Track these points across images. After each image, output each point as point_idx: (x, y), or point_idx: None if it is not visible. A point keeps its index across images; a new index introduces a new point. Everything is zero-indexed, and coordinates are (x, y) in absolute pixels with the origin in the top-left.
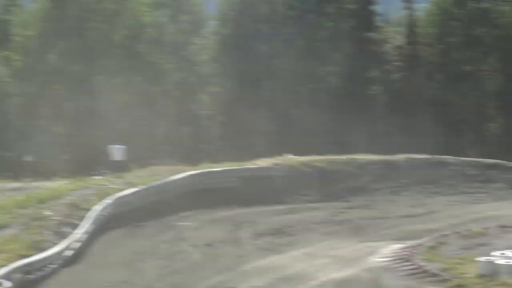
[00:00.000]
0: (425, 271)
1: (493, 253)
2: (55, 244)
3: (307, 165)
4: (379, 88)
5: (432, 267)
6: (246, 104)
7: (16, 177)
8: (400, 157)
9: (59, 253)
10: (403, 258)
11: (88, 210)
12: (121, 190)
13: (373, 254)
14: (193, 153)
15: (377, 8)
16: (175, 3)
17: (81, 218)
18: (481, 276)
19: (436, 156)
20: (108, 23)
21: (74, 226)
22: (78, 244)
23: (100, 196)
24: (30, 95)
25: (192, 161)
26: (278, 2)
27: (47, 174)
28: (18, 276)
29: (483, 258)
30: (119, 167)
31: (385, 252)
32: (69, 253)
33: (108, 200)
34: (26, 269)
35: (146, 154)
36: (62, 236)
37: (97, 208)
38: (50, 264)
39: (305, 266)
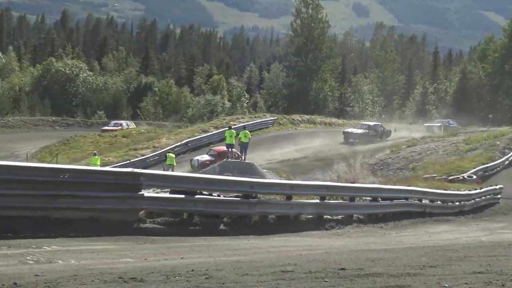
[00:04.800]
0: None
1: None
2: (500, 158)
3: None
4: None
5: None
6: None
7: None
8: None
9: (502, 162)
10: None
11: None
12: None
13: None
14: None
15: None
16: None
17: None
18: None
19: None
20: None
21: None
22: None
23: None
24: None
25: None
26: None
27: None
28: (480, 173)
29: None
30: None
31: None
32: (506, 162)
33: None
34: (485, 170)
35: None
36: (504, 154)
37: None
38: (497, 168)
39: None
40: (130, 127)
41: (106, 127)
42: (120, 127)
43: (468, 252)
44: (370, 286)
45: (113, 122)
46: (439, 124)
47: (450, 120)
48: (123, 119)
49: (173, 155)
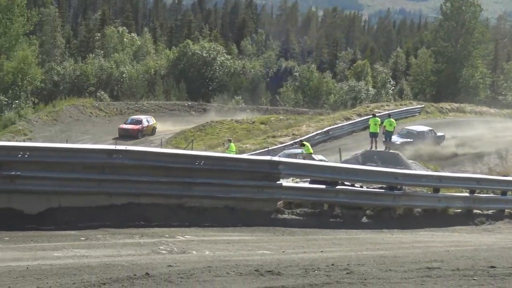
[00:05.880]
0: None
1: None
2: None
3: None
4: None
5: None
6: None
7: None
8: None
9: None
10: None
11: None
12: None
13: None
14: None
15: None
16: None
17: None
18: None
19: None
20: None
21: None
22: None
23: None
24: None
25: None
26: None
27: None
28: None
29: None
30: None
31: None
32: None
33: None
34: None
35: None
36: None
37: None
38: None
39: None
40: (150, 124)
41: (123, 125)
42: (140, 125)
43: None
44: None
45: (130, 118)
46: (400, 141)
47: (428, 128)
48: (261, 104)
49: (309, 144)
